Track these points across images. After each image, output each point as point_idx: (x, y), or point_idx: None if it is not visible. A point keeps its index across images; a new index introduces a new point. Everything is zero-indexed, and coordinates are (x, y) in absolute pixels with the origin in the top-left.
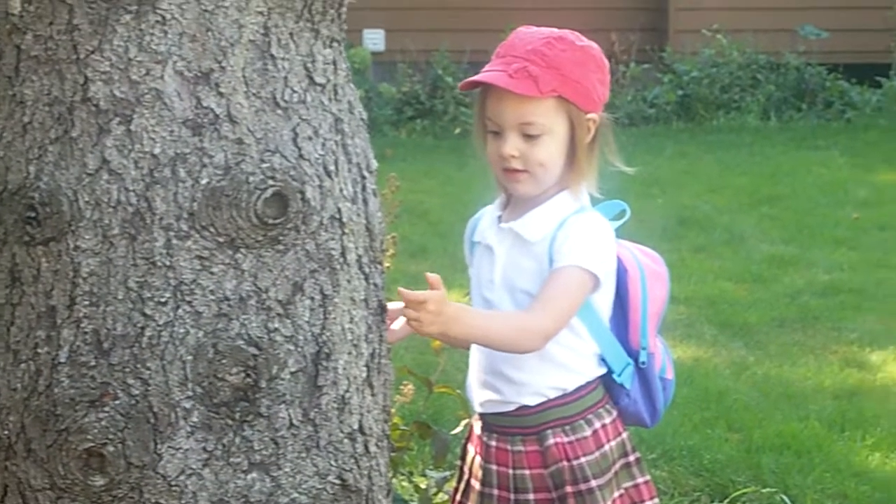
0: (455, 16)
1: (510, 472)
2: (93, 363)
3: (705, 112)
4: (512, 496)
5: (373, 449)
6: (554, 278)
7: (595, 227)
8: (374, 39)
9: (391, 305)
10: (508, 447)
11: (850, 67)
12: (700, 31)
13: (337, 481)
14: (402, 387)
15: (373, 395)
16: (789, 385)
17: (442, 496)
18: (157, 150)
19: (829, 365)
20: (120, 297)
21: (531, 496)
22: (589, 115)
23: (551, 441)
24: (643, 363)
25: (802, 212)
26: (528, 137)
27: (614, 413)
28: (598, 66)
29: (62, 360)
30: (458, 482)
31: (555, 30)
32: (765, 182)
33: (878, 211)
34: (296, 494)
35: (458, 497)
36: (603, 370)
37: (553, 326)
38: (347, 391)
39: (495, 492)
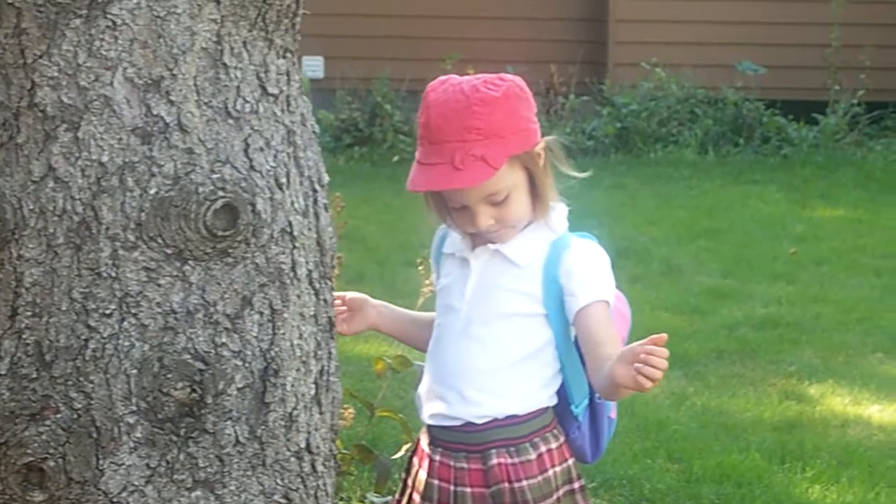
0: (395, 44)
1: (451, 488)
2: (34, 375)
3: (643, 145)
4: None
5: (320, 468)
6: (595, 318)
7: (602, 257)
8: (313, 66)
9: (352, 295)
10: (452, 463)
11: (788, 104)
12: (639, 65)
13: (283, 501)
14: (342, 410)
15: (321, 413)
16: (729, 416)
17: None
18: (104, 159)
19: (768, 397)
20: (63, 308)
21: None
22: (535, 149)
23: (494, 461)
24: (599, 399)
25: (740, 245)
26: (497, 203)
27: (561, 439)
28: (520, 99)
29: (2, 372)
30: (401, 495)
31: (464, 86)
32: (702, 215)
33: (814, 246)
34: None
35: None
36: (555, 401)
37: None
38: (295, 409)
39: None
